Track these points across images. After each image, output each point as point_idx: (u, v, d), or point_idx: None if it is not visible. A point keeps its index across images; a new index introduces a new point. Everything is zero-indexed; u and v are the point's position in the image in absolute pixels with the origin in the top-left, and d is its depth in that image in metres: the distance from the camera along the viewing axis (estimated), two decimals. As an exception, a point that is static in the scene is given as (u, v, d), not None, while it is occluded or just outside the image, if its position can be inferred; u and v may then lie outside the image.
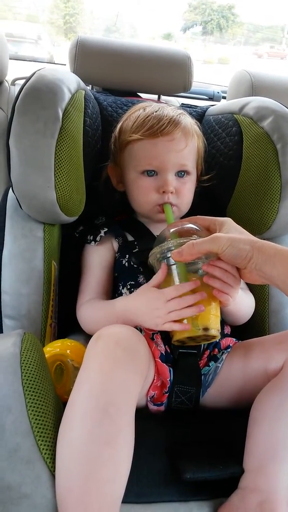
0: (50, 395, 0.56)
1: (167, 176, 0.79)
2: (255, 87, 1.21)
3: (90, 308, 0.78)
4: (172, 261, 0.66)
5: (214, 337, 0.65)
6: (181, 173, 0.81)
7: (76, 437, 0.50)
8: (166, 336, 0.71)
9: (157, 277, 0.67)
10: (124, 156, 0.83)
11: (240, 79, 1.25)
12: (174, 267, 0.66)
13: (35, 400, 0.54)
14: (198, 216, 0.71)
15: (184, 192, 0.81)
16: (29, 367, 0.56)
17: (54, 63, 2.21)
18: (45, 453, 0.51)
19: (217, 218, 0.69)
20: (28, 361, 0.57)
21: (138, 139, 0.79)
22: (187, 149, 0.80)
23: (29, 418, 0.52)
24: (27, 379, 0.55)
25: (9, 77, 1.34)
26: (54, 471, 0.51)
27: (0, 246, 0.79)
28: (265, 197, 0.81)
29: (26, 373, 0.55)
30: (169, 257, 0.66)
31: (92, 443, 0.50)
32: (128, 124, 0.83)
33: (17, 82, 1.34)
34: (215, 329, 0.64)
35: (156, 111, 0.80)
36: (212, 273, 0.63)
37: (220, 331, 0.65)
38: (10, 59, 1.32)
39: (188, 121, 0.82)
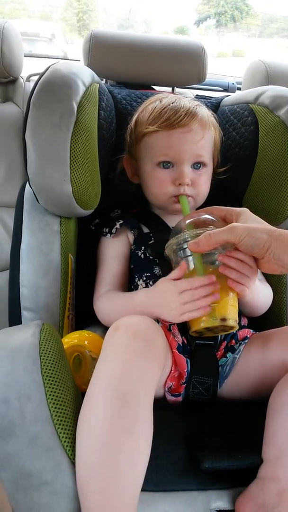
0: (69, 384, 0.57)
1: (183, 168, 0.78)
2: (270, 77, 1.19)
3: (108, 300, 0.78)
4: (188, 252, 0.66)
5: (232, 327, 0.64)
6: (197, 165, 0.81)
7: (96, 426, 0.51)
8: (183, 327, 0.71)
9: (175, 273, 0.67)
10: (140, 148, 0.83)
11: (255, 69, 1.23)
12: (190, 258, 0.66)
13: (54, 389, 0.54)
14: (214, 206, 0.71)
15: (200, 184, 0.81)
16: (48, 356, 0.57)
17: (67, 59, 2.22)
18: (65, 441, 0.52)
19: (233, 208, 0.68)
20: (47, 351, 0.58)
21: (155, 130, 0.78)
22: (203, 141, 0.80)
23: (48, 406, 0.53)
24: (46, 369, 0.55)
25: (24, 74, 1.36)
26: (73, 459, 0.52)
27: (18, 240, 0.80)
28: (282, 187, 0.80)
29: (45, 362, 0.56)
30: (186, 248, 0.66)
31: (112, 432, 0.50)
32: (144, 115, 0.82)
33: (32, 78, 1.35)
34: (233, 319, 0.63)
35: (172, 103, 0.80)
36: (227, 263, 0.63)
37: (238, 321, 0.65)
38: (24, 56, 1.34)
39: (205, 112, 0.81)
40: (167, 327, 0.72)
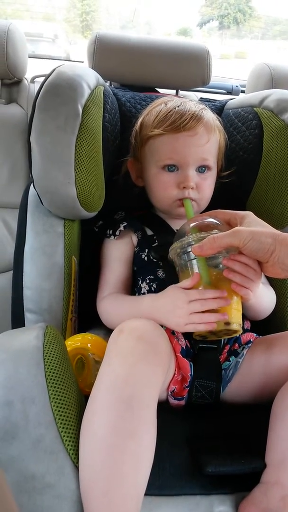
0: (72, 387, 0.57)
1: (188, 171, 0.78)
2: (275, 80, 1.19)
3: (111, 303, 0.78)
4: (192, 255, 0.66)
5: (235, 331, 0.64)
6: (202, 169, 0.80)
7: (100, 430, 0.51)
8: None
9: (188, 282, 0.66)
10: (145, 151, 0.83)
11: (259, 72, 1.23)
12: (194, 261, 0.66)
13: (58, 392, 0.54)
14: (218, 210, 0.71)
15: (204, 188, 0.81)
16: (51, 360, 0.57)
17: (71, 61, 2.22)
18: (68, 445, 0.52)
19: (238, 212, 0.68)
20: (50, 354, 0.58)
21: (160, 134, 0.78)
22: (208, 144, 0.80)
23: (52, 409, 0.53)
24: (50, 372, 0.55)
25: (28, 75, 1.36)
26: (77, 462, 0.52)
27: (22, 241, 0.80)
28: (286, 191, 0.80)
29: (49, 365, 0.56)
30: (190, 251, 0.66)
31: (115, 436, 0.50)
32: (149, 118, 0.82)
33: (36, 79, 1.35)
34: (236, 323, 0.63)
35: (178, 106, 0.80)
36: (232, 267, 0.63)
37: (242, 325, 0.65)
38: (28, 57, 1.34)
39: (210, 116, 0.81)
40: (171, 330, 0.72)
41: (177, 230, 0.77)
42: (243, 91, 1.51)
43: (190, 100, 0.86)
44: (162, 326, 0.71)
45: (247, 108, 0.93)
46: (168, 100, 0.84)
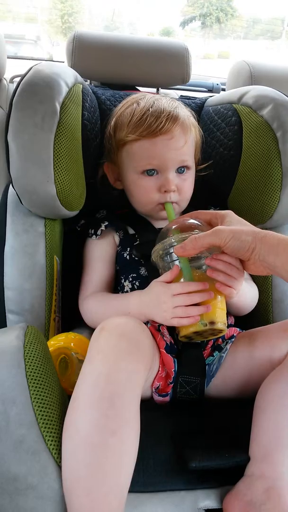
0: (54, 387, 0.56)
1: (168, 174, 0.77)
2: (254, 77, 1.20)
3: (97, 301, 0.78)
4: (175, 256, 0.65)
5: (221, 331, 0.64)
6: (182, 169, 0.80)
7: (82, 428, 0.50)
8: (172, 327, 0.71)
9: (167, 275, 0.66)
10: (121, 155, 0.82)
11: (239, 69, 1.24)
12: (177, 262, 0.66)
13: (40, 392, 0.54)
14: (199, 211, 0.71)
15: (185, 189, 0.81)
16: (32, 359, 0.56)
17: (52, 61, 2.21)
18: (51, 444, 0.51)
19: (218, 211, 0.68)
20: (31, 353, 0.57)
21: (136, 139, 0.77)
22: (186, 146, 0.79)
23: (33, 409, 0.52)
24: (31, 372, 0.55)
25: (7, 76, 1.34)
26: (60, 462, 0.51)
27: (2, 242, 0.79)
28: (266, 186, 0.81)
29: (30, 365, 0.55)
30: (172, 252, 0.65)
31: (98, 434, 0.50)
32: (122, 121, 0.80)
33: (15, 79, 1.34)
34: (221, 322, 0.63)
35: (151, 106, 0.78)
36: (215, 266, 0.63)
37: (226, 324, 0.65)
38: (10, 58, 1.32)
39: (185, 114, 0.80)
40: (156, 327, 0.72)
41: (158, 228, 0.77)
42: (223, 89, 1.52)
43: (163, 96, 0.85)
44: (147, 323, 0.71)
45: (226, 105, 0.93)
46: (140, 98, 0.82)
